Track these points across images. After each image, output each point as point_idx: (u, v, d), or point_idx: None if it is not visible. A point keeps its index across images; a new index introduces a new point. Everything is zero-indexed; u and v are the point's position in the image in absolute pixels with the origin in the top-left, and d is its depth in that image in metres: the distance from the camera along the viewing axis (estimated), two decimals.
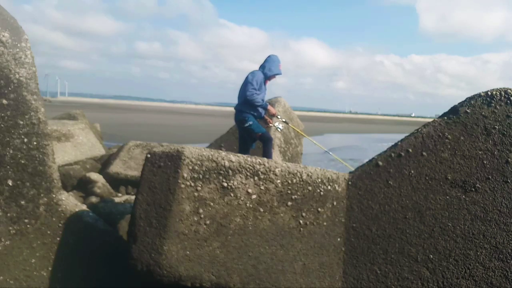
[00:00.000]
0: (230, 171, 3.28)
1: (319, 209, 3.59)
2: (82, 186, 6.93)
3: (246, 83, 5.06)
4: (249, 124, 5.13)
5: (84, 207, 4.33)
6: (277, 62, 5.25)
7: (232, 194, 3.27)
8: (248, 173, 3.33)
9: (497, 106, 3.78)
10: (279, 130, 5.83)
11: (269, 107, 5.33)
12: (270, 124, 5.65)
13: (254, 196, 3.33)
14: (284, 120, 5.90)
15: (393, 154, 3.85)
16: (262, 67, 5.19)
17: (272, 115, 5.55)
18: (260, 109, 5.21)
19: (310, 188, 3.55)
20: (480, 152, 3.69)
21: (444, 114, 3.96)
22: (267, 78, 5.21)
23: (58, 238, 3.75)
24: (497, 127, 3.71)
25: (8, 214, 3.53)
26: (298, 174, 3.51)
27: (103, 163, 8.24)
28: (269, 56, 5.31)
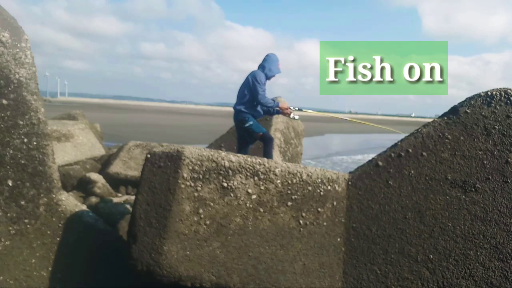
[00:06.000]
0: (230, 171, 3.28)
1: (319, 209, 3.59)
2: (82, 186, 6.93)
3: (253, 85, 4.99)
4: (249, 124, 5.12)
5: (84, 207, 4.33)
6: (276, 61, 5.19)
7: (232, 194, 3.27)
8: (248, 173, 3.33)
9: (497, 106, 3.78)
10: (295, 119, 5.77)
11: (280, 104, 5.29)
12: (291, 116, 5.54)
13: (254, 196, 3.33)
14: (297, 108, 5.80)
15: (393, 154, 3.85)
16: (262, 67, 5.16)
17: (285, 109, 5.45)
18: (259, 108, 5.19)
19: (310, 188, 3.55)
20: (480, 152, 3.69)
21: (444, 114, 3.96)
22: (268, 78, 5.19)
23: (58, 238, 3.74)
24: (497, 127, 3.71)
25: (8, 214, 3.53)
26: (298, 174, 3.51)
27: (103, 163, 8.23)
28: (267, 55, 5.23)
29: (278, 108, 5.28)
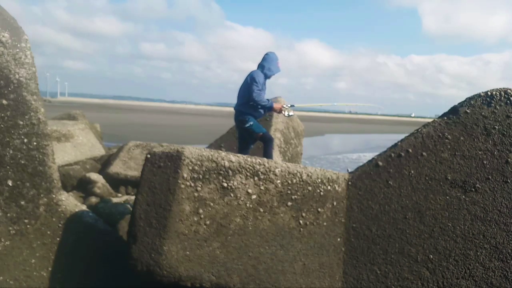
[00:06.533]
0: (230, 171, 3.28)
1: (319, 209, 3.59)
2: (82, 186, 6.93)
3: (250, 84, 4.99)
4: (249, 125, 5.12)
5: (84, 207, 4.33)
6: (275, 60, 5.14)
7: (232, 194, 3.27)
8: (248, 173, 3.33)
9: (497, 106, 3.78)
10: (290, 116, 5.63)
11: (274, 105, 5.24)
12: (283, 113, 5.45)
13: (254, 196, 3.33)
14: (290, 105, 5.69)
15: (393, 154, 3.85)
16: (261, 66, 5.14)
17: (279, 109, 5.37)
18: (261, 109, 5.18)
19: (310, 188, 3.55)
20: (480, 152, 3.69)
21: (444, 114, 3.96)
22: (267, 77, 5.17)
23: (58, 238, 3.74)
24: (497, 127, 3.71)
25: (8, 214, 3.53)
26: (298, 174, 3.51)
27: (103, 163, 8.24)
28: (266, 54, 5.18)
29: (271, 109, 5.21)
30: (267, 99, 5.12)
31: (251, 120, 5.12)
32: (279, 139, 6.86)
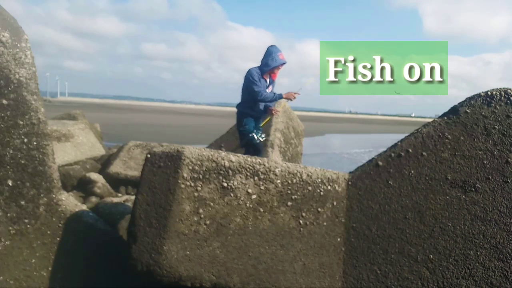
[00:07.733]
0: (230, 171, 3.28)
1: (319, 209, 3.59)
2: (82, 186, 6.94)
3: (248, 84, 4.96)
4: (244, 129, 5.10)
5: (84, 207, 4.33)
6: (274, 53, 5.01)
7: (232, 194, 3.27)
8: (248, 173, 3.33)
9: (497, 106, 3.78)
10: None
11: (284, 95, 5.07)
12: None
13: (254, 196, 3.33)
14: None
15: (393, 154, 3.85)
16: (260, 62, 5.11)
17: (292, 96, 5.15)
18: (260, 106, 5.11)
19: (310, 188, 3.55)
20: (480, 152, 3.69)
21: (444, 114, 3.96)
22: (265, 72, 5.07)
23: (58, 238, 3.74)
24: (497, 127, 3.71)
25: (8, 214, 3.53)
26: (298, 174, 3.51)
27: (103, 163, 8.24)
28: (267, 48, 5.11)
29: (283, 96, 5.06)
30: (273, 92, 5.01)
31: (247, 123, 5.08)
32: (279, 139, 6.86)
